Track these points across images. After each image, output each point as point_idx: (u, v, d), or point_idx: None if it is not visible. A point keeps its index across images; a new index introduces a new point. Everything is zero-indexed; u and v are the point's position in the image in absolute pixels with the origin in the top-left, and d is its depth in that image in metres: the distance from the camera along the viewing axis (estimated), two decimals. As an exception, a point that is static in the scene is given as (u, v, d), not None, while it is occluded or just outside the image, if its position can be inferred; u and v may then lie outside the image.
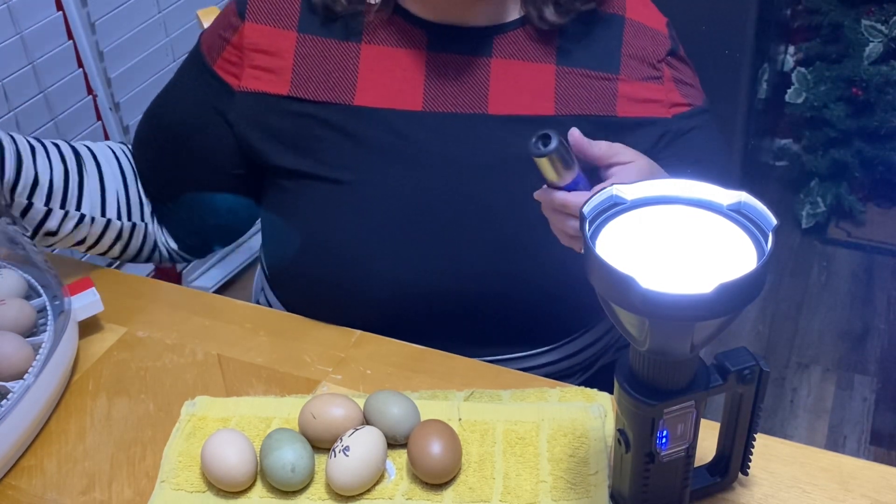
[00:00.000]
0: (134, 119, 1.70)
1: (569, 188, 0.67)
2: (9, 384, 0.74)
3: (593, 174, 0.70)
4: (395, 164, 0.87)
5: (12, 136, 0.84)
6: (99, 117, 1.66)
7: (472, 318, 0.88)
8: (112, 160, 0.96)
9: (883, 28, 2.08)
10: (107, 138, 1.68)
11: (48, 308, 0.83)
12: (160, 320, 0.90)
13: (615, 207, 0.55)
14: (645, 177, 0.68)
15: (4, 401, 0.72)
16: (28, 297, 0.84)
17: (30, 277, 0.86)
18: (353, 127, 0.87)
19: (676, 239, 0.54)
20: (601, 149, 0.70)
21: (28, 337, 0.79)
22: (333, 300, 0.89)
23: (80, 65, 1.59)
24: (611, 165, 0.70)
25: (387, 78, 0.88)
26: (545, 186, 0.69)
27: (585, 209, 0.54)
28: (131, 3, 1.65)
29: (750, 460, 0.66)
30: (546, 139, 0.64)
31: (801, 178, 2.26)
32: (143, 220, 0.97)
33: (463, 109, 0.87)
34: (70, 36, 1.56)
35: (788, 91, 2.17)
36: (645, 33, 0.89)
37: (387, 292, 0.87)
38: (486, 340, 0.89)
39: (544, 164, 0.66)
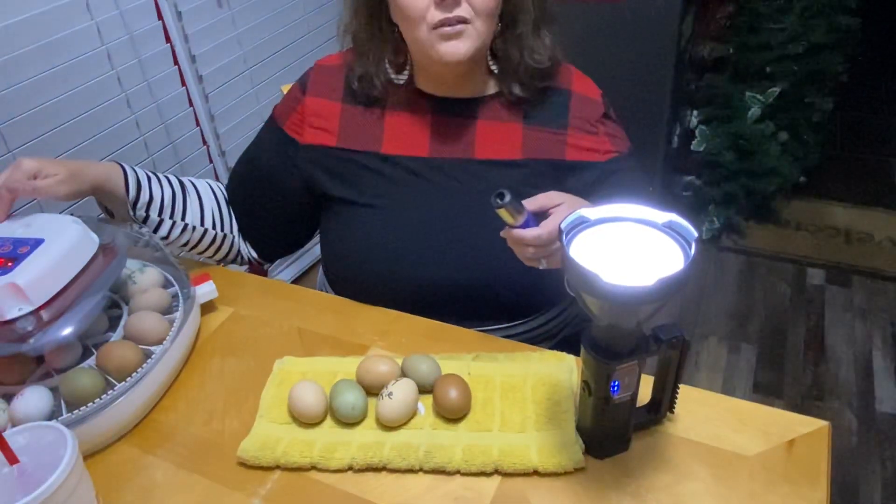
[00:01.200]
0: (234, 160, 1.71)
1: (522, 227, 0.67)
2: (152, 348, 0.75)
3: (543, 216, 0.70)
4: (410, 194, 0.87)
5: (134, 169, 0.87)
6: (210, 161, 1.67)
7: (473, 301, 0.87)
8: (208, 189, 0.96)
9: (760, 97, 2.08)
10: (216, 176, 1.69)
11: (179, 294, 0.83)
12: (257, 303, 0.90)
13: (582, 224, 0.56)
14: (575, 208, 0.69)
15: (149, 360, 0.73)
16: (165, 287, 0.84)
17: (166, 273, 0.86)
18: (381, 168, 0.88)
19: (627, 246, 0.54)
20: (538, 202, 0.70)
21: (165, 315, 0.79)
22: (371, 290, 0.88)
23: (198, 124, 1.60)
24: (549, 210, 0.70)
25: (403, 133, 0.88)
26: (506, 228, 0.69)
27: (563, 225, 0.54)
28: (233, 81, 1.65)
29: (675, 402, 0.66)
30: (501, 195, 0.64)
31: (701, 204, 2.26)
32: (231, 232, 0.97)
33: (457, 156, 0.87)
34: (191, 104, 1.56)
35: (693, 142, 2.17)
36: (585, 102, 0.88)
37: (410, 284, 0.87)
38: (482, 315, 0.88)
39: (503, 213, 0.66)
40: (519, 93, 0.85)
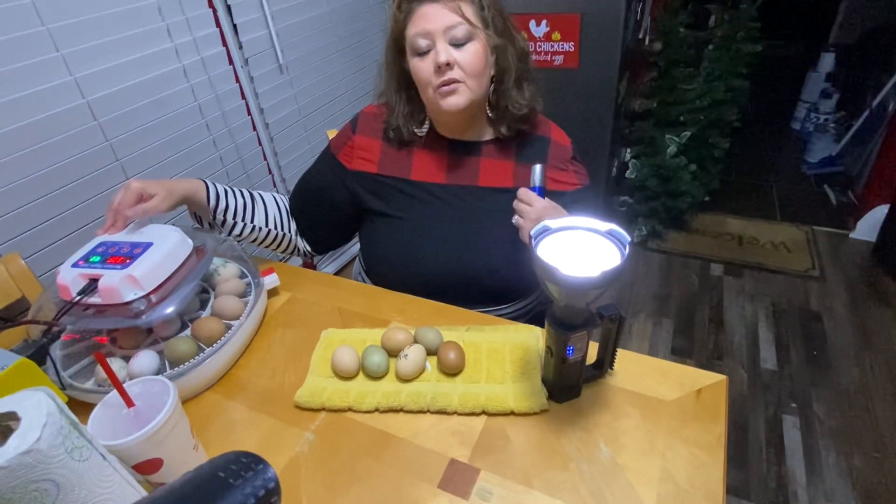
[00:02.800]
0: (292, 186, 1.70)
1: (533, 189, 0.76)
2: (232, 322, 0.75)
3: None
4: (430, 210, 0.87)
5: (214, 184, 0.86)
6: (274, 186, 1.66)
7: (469, 289, 0.87)
8: (272, 199, 0.95)
9: (676, 139, 2.07)
10: (278, 196, 1.69)
11: (252, 283, 0.83)
12: (308, 289, 0.89)
13: (547, 231, 0.55)
14: (554, 209, 0.77)
15: (229, 331, 0.73)
16: (241, 277, 0.84)
17: (242, 267, 0.86)
18: (409, 190, 0.87)
19: (579, 247, 0.54)
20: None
21: (241, 297, 0.79)
22: (397, 280, 0.88)
23: (265, 159, 1.59)
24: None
25: (426, 165, 0.88)
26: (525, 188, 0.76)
27: (532, 232, 0.54)
28: (291, 127, 1.65)
29: (614, 362, 0.66)
30: (538, 167, 0.75)
31: (633, 217, 2.25)
32: (289, 232, 0.96)
33: (465, 183, 0.87)
34: (259, 144, 1.56)
35: (627, 171, 2.17)
36: (559, 147, 0.88)
37: (424, 275, 0.86)
38: (476, 300, 0.88)
39: (534, 171, 0.75)
40: (506, 132, 0.85)
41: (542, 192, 0.72)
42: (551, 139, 0.88)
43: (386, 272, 0.90)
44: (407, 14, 0.78)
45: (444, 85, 0.76)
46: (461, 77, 0.76)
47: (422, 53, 0.77)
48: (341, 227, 0.98)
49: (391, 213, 0.88)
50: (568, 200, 0.86)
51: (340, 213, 0.94)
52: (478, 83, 0.78)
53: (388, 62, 0.84)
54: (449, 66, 0.75)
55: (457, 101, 0.77)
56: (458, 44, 0.75)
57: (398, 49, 0.82)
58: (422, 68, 0.77)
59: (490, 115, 0.85)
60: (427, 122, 0.87)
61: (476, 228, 0.85)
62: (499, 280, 0.86)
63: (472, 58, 0.76)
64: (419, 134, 0.86)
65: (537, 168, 0.75)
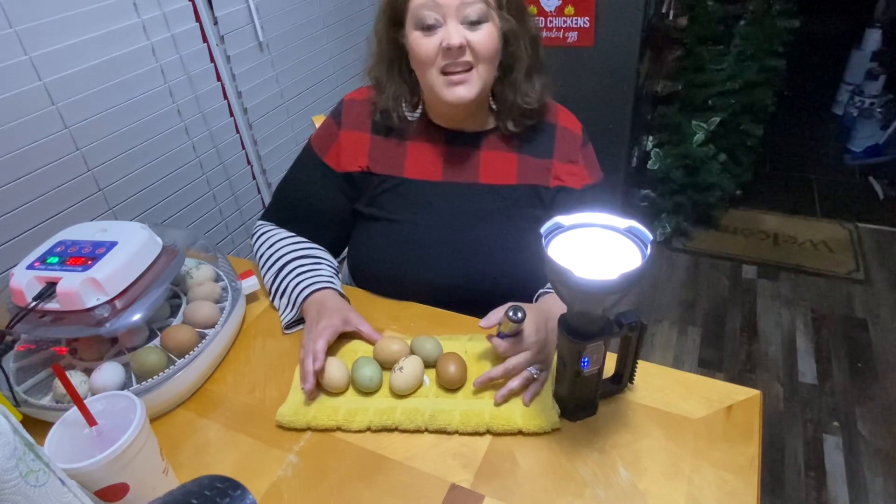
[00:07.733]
0: (274, 178, 1.70)
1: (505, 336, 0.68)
2: (206, 331, 0.75)
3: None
4: (425, 211, 0.86)
5: (333, 279, 0.85)
6: (253, 178, 1.66)
7: (469, 294, 0.87)
8: (328, 254, 0.93)
9: (704, 125, 2.07)
10: (258, 189, 1.68)
11: (228, 287, 0.83)
12: (292, 294, 0.89)
13: (558, 229, 0.55)
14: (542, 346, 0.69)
15: (203, 340, 0.73)
16: (216, 281, 0.84)
17: (218, 269, 0.86)
18: (402, 190, 0.87)
19: (595, 247, 0.54)
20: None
21: (217, 303, 0.79)
22: (388, 286, 0.88)
23: (243, 147, 1.59)
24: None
25: (421, 161, 0.87)
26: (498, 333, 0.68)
27: (542, 230, 0.54)
28: (272, 112, 1.65)
29: (634, 375, 0.66)
30: (517, 312, 0.63)
31: (656, 213, 2.25)
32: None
33: (464, 180, 0.86)
34: (237, 131, 1.56)
35: (649, 162, 2.17)
36: (568, 134, 0.87)
37: (420, 284, 0.86)
38: (478, 306, 0.87)
39: (506, 325, 0.65)
40: (512, 129, 0.84)
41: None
42: (559, 125, 0.87)
43: (376, 280, 0.90)
44: None
45: (451, 71, 0.75)
46: (472, 62, 0.75)
47: (426, 28, 0.75)
48: (340, 235, 0.94)
49: (383, 216, 0.87)
50: (575, 199, 0.85)
51: (336, 220, 0.92)
52: (489, 70, 0.77)
53: (379, 31, 0.82)
54: (461, 49, 0.73)
55: (466, 92, 0.76)
56: (470, 23, 0.74)
57: (394, 18, 0.79)
58: (425, 45, 0.75)
59: (493, 106, 0.85)
60: (420, 107, 0.86)
61: (477, 231, 0.84)
62: (502, 287, 0.86)
63: (486, 39, 0.74)
64: (410, 119, 0.85)
65: (513, 321, 0.62)
